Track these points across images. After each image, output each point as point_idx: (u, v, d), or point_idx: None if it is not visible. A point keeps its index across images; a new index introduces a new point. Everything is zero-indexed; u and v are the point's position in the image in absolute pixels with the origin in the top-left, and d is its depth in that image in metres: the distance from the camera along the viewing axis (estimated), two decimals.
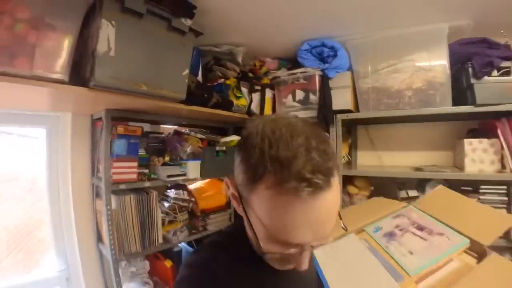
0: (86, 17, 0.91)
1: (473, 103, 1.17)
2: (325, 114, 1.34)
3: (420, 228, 0.72)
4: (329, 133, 1.36)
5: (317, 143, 0.39)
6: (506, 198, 1.16)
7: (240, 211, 0.46)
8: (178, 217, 1.45)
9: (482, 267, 0.59)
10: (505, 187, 1.16)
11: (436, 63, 1.24)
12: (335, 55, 1.39)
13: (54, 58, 0.85)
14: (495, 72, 1.16)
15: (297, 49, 1.49)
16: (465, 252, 0.65)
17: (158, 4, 1.00)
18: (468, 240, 0.66)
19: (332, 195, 0.39)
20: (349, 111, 1.38)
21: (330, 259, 0.65)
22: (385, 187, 1.43)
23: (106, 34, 0.92)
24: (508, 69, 1.15)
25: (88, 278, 1.34)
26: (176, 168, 1.38)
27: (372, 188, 1.47)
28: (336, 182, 0.40)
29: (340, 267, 0.64)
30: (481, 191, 1.20)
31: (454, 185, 1.21)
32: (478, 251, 0.65)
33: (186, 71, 1.13)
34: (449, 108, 1.22)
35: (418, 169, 1.33)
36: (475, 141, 1.23)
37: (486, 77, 1.16)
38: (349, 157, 1.58)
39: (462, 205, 0.83)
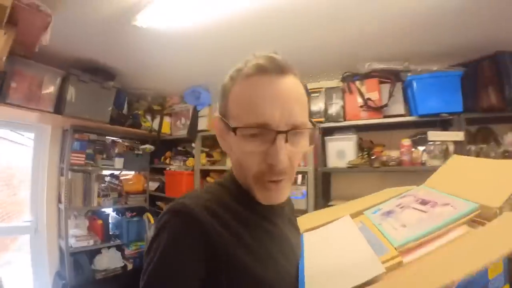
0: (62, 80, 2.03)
1: None
2: (192, 132, 2.44)
3: (424, 202, 0.61)
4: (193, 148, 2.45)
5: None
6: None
7: (225, 143, 0.54)
8: (109, 193, 2.43)
9: (484, 228, 0.47)
10: None
11: None
12: (203, 96, 2.54)
13: (47, 101, 1.94)
14: None
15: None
16: (474, 221, 0.52)
17: (95, 76, 2.12)
18: (477, 205, 0.52)
19: (290, 82, 0.48)
20: (206, 130, 2.47)
21: (316, 237, 0.65)
22: None
23: (71, 91, 2.02)
24: None
25: (49, 227, 2.25)
26: (108, 161, 2.41)
27: None
28: (294, 78, 0.49)
29: (321, 244, 0.62)
30: None
31: None
32: (490, 217, 0.51)
33: (110, 107, 2.24)
34: None
35: None
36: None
37: None
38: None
39: (476, 170, 0.70)
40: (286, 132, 0.46)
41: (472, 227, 0.51)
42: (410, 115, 1.93)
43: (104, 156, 2.43)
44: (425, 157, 1.90)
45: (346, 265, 0.50)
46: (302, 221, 0.73)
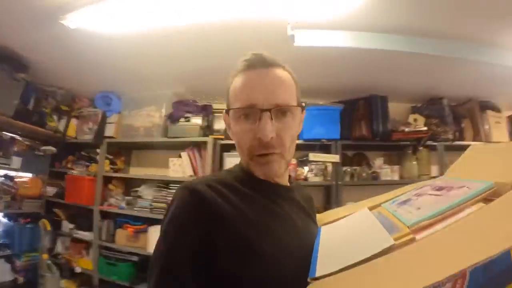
0: None
1: (166, 135, 2.28)
2: (98, 138, 2.39)
3: (440, 189, 0.60)
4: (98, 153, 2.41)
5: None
6: None
7: (230, 131, 0.62)
8: (1, 196, 2.25)
9: (497, 203, 0.43)
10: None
11: (156, 113, 2.41)
12: (114, 102, 2.49)
13: None
14: (182, 119, 2.37)
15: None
16: (489, 200, 0.48)
17: (5, 64, 1.91)
18: (492, 183, 0.49)
19: (274, 72, 0.56)
20: (113, 137, 2.42)
21: (332, 227, 0.67)
22: None
23: None
24: (188, 118, 2.38)
25: None
26: (4, 160, 2.24)
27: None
28: (281, 70, 0.58)
29: (336, 229, 0.65)
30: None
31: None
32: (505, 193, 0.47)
33: (17, 101, 2.05)
34: (161, 138, 2.29)
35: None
36: (175, 158, 2.27)
37: (179, 121, 2.36)
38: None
39: (494, 154, 0.67)
40: (269, 110, 0.53)
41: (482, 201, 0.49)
42: (298, 138, 2.17)
43: (0, 153, 2.24)
44: (308, 174, 2.17)
45: (357, 242, 0.53)
46: (320, 218, 0.76)
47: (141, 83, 2.34)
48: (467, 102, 2.50)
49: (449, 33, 1.79)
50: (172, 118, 2.33)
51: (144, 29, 1.62)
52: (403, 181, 2.19)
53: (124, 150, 2.55)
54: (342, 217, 0.71)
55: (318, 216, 0.77)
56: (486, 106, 2.50)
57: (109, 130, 2.43)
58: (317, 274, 0.44)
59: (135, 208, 2.25)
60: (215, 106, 2.29)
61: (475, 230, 0.41)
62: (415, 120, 2.36)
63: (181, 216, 0.49)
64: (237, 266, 0.47)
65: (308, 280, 0.43)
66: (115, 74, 2.22)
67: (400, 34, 1.80)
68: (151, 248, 2.05)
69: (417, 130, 2.27)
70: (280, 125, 0.55)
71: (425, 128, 2.28)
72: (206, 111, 2.30)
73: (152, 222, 2.17)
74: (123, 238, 2.25)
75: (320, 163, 2.16)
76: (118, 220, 2.31)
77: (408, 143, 2.27)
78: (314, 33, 1.71)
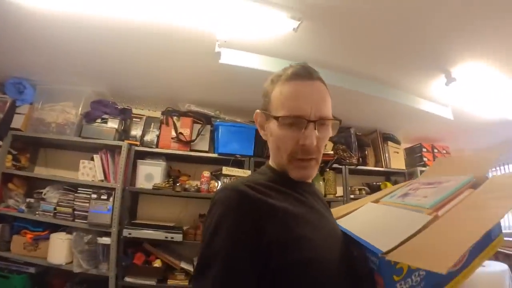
0: None
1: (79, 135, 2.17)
2: (3, 129, 2.21)
3: (430, 184, 0.74)
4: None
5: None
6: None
7: (264, 132, 0.69)
8: None
9: (485, 186, 0.62)
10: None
11: (73, 110, 2.30)
12: (27, 91, 2.31)
13: None
14: (99, 120, 2.30)
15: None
16: (471, 188, 0.65)
17: None
18: (472, 176, 0.67)
19: (318, 85, 0.63)
20: (20, 130, 2.24)
21: (349, 218, 0.76)
22: None
23: None
24: (106, 119, 2.33)
25: None
26: None
27: None
28: (321, 82, 0.64)
29: (356, 218, 0.75)
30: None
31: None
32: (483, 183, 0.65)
33: None
34: (74, 137, 2.17)
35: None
36: (86, 161, 2.18)
37: (95, 122, 2.27)
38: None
39: (457, 161, 0.88)
40: (315, 121, 0.59)
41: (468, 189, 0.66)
42: (213, 152, 2.26)
43: None
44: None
45: (394, 224, 0.62)
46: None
47: (59, 74, 2.18)
48: (372, 133, 2.84)
49: (361, 71, 2.04)
50: (89, 117, 2.24)
51: (71, 11, 1.50)
52: None
53: (31, 146, 2.35)
54: (350, 212, 0.81)
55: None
56: (387, 138, 2.87)
57: (17, 122, 2.22)
58: (384, 250, 0.50)
59: (37, 212, 2.07)
60: (134, 111, 2.27)
61: (477, 205, 0.56)
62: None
63: (232, 214, 0.52)
64: (289, 252, 0.51)
65: (380, 255, 0.50)
66: (32, 59, 2.02)
67: (317, 66, 2.00)
68: (52, 257, 1.94)
69: (326, 154, 2.52)
70: (320, 135, 0.61)
71: (332, 152, 2.54)
72: (125, 114, 2.27)
73: (55, 228, 2.04)
74: (19, 245, 2.01)
75: (233, 177, 2.27)
76: (15, 224, 2.08)
77: None
78: (240, 53, 1.81)
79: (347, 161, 2.61)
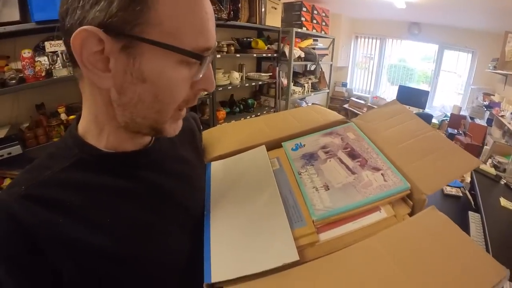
0: None
1: None
2: None
3: (352, 155, 0.55)
4: None
5: None
6: None
7: (116, 65, 0.34)
8: None
9: (410, 223, 0.45)
10: None
11: None
12: None
13: None
14: None
15: None
16: (402, 199, 0.50)
17: None
18: (409, 186, 0.49)
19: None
20: None
21: (224, 176, 0.55)
22: None
23: None
24: None
25: None
26: None
27: None
28: None
29: (229, 194, 0.52)
30: None
31: None
32: (416, 200, 0.49)
33: None
34: None
35: None
36: None
37: None
38: None
39: (418, 133, 0.60)
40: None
41: (396, 205, 0.49)
42: (29, 21, 1.74)
43: None
44: (54, 67, 1.80)
45: (256, 244, 0.43)
46: (210, 140, 0.65)
47: None
48: None
49: None
50: None
51: None
52: None
53: None
54: (235, 152, 0.61)
55: (204, 135, 0.66)
56: None
57: None
58: (213, 280, 0.39)
59: None
60: None
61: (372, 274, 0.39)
62: None
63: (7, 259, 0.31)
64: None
65: (204, 284, 0.39)
66: None
67: None
68: None
69: None
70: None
71: None
72: None
73: None
74: None
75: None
76: None
77: None
78: None
79: (217, 15, 2.33)
